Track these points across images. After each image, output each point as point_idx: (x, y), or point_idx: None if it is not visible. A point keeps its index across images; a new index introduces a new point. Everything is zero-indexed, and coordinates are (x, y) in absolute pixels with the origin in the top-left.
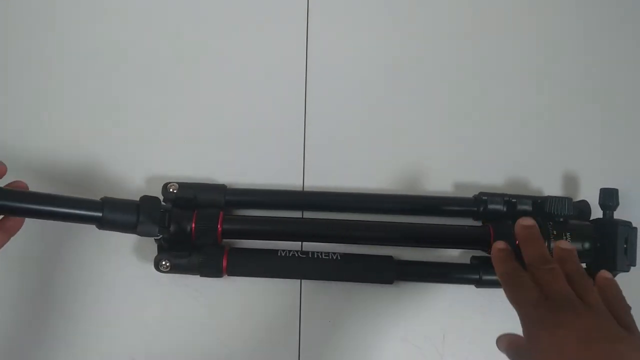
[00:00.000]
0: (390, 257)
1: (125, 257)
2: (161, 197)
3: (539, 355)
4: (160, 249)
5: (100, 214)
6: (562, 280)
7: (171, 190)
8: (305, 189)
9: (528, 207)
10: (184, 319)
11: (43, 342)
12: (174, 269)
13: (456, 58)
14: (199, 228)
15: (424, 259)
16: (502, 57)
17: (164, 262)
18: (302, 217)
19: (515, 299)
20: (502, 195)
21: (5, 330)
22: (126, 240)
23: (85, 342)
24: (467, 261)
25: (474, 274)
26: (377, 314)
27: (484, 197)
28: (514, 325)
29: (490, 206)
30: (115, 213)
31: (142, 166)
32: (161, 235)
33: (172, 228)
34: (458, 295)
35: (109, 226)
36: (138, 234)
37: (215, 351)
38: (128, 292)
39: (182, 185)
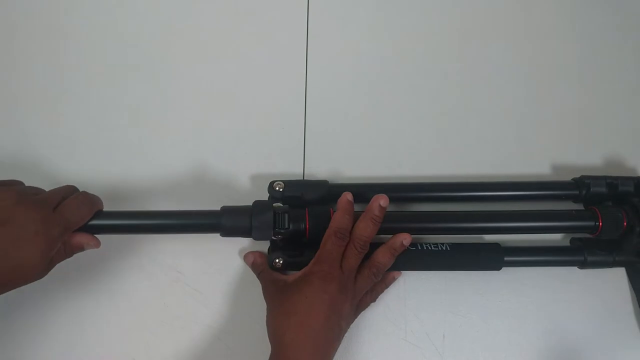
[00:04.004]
0: (498, 244)
1: (124, 258)
2: (267, 195)
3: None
4: (273, 246)
5: (219, 222)
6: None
7: (277, 188)
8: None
9: (630, 188)
10: (184, 319)
11: (43, 343)
12: (287, 266)
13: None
14: (313, 227)
15: (522, 244)
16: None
17: (277, 260)
18: (411, 211)
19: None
20: (605, 178)
21: (5, 330)
22: (125, 240)
23: (86, 343)
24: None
25: (578, 255)
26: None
27: (586, 180)
28: (514, 324)
29: (594, 189)
30: (231, 220)
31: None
32: (276, 238)
33: (290, 228)
34: (459, 296)
35: (229, 233)
36: (254, 239)
37: (216, 351)
38: (128, 292)
39: (288, 183)
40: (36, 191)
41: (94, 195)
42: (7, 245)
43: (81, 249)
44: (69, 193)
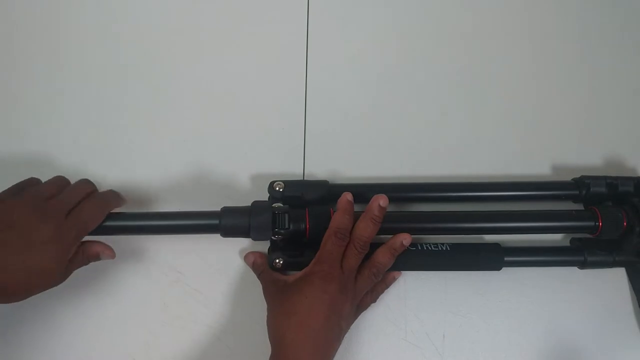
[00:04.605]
0: (498, 244)
1: (125, 258)
2: (267, 195)
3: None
4: (274, 247)
5: (217, 222)
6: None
7: (277, 188)
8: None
9: (630, 188)
10: (184, 319)
11: (43, 343)
12: (287, 266)
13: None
14: (313, 227)
15: (522, 244)
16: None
17: (277, 260)
18: (411, 211)
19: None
20: (605, 178)
21: (5, 331)
22: (126, 241)
23: (86, 343)
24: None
25: (578, 256)
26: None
27: (586, 181)
28: (514, 324)
29: (593, 189)
30: (230, 220)
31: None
32: (276, 238)
33: (290, 228)
34: (458, 296)
35: (228, 233)
36: (252, 239)
37: (216, 351)
38: (128, 292)
39: (288, 183)
40: (52, 191)
41: (108, 195)
42: (24, 253)
43: (97, 257)
44: (84, 192)
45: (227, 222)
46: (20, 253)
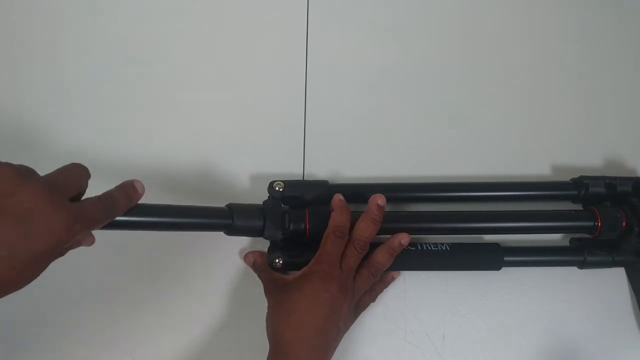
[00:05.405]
0: (497, 244)
1: (124, 257)
2: (267, 195)
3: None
4: (273, 247)
5: (230, 221)
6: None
7: (277, 188)
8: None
9: (628, 189)
10: (183, 318)
11: (44, 342)
12: (287, 266)
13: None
14: (313, 227)
15: (522, 244)
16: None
17: (277, 260)
18: (411, 211)
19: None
20: (603, 178)
21: (5, 331)
22: (125, 239)
23: (86, 342)
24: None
25: (577, 256)
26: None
27: (585, 181)
28: (514, 324)
29: (592, 189)
30: (243, 219)
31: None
32: (282, 237)
33: (291, 228)
34: (458, 296)
35: (237, 232)
36: (265, 238)
37: (215, 351)
38: (128, 291)
39: (288, 183)
40: (31, 170)
41: (118, 197)
42: (20, 231)
43: (78, 245)
44: (82, 178)
45: (239, 221)
46: (18, 234)
